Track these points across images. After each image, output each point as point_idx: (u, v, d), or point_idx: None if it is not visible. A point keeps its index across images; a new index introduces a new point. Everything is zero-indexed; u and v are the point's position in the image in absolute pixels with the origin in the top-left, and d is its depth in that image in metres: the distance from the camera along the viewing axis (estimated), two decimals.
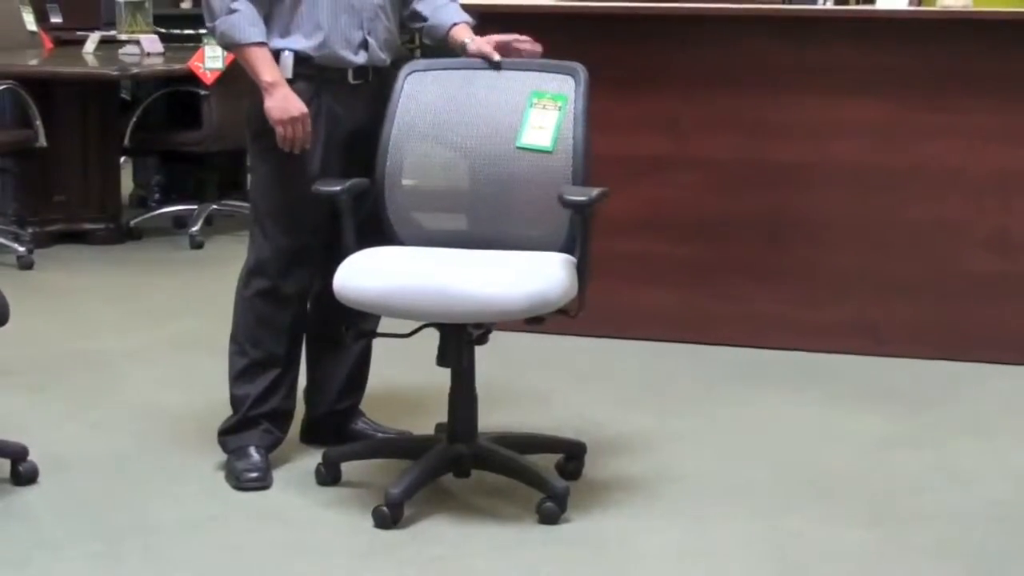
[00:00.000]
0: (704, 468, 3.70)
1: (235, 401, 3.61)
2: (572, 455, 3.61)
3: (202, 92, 6.23)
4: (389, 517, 3.28)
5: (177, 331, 4.99)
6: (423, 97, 3.51)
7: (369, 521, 3.30)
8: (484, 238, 3.47)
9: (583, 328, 4.30)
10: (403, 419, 3.90)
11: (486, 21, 4.58)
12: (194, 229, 6.39)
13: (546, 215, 3.45)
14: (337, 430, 3.76)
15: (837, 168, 4.71)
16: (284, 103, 3.40)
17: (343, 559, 3.20)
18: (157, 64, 6.56)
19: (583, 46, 4.38)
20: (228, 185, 6.85)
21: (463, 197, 3.51)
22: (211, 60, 6.14)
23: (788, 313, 4.75)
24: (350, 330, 3.59)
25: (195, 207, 6.52)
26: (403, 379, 4.24)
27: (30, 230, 6.15)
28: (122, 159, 6.82)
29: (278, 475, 3.58)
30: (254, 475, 3.53)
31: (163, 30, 7.14)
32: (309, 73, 3.46)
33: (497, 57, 3.49)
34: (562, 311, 3.35)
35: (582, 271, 3.39)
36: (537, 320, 3.36)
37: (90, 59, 6.81)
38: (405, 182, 3.50)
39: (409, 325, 3.44)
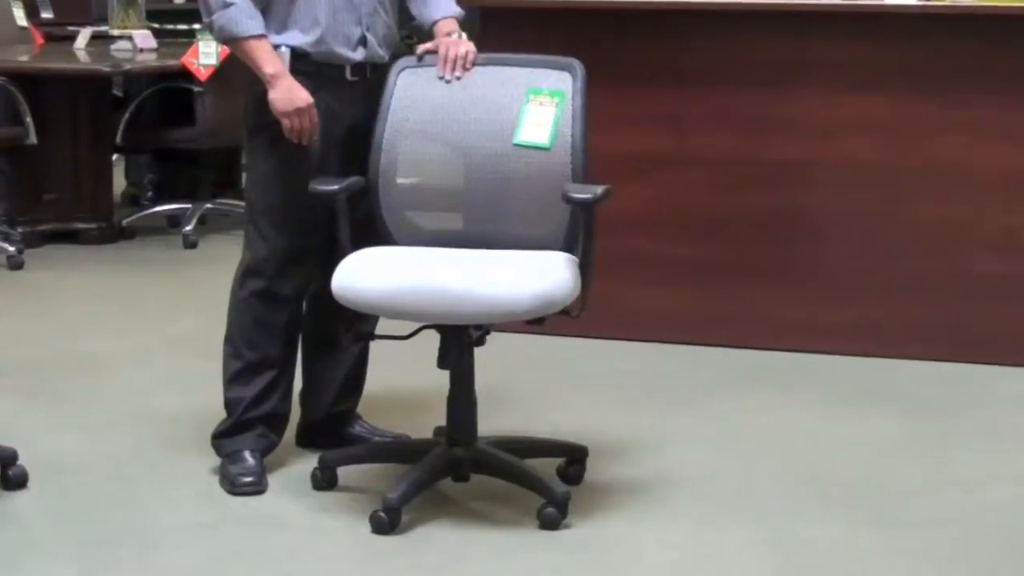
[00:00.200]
0: (707, 472, 3.69)
1: (230, 404, 3.60)
2: (573, 459, 3.60)
3: (196, 89, 6.22)
4: (387, 523, 3.27)
5: (170, 332, 4.98)
6: (416, 94, 3.49)
7: (366, 527, 3.29)
8: (481, 238, 3.46)
9: (583, 329, 4.29)
10: (401, 422, 3.89)
11: (487, 18, 4.58)
12: (188, 228, 6.37)
13: (544, 214, 3.44)
14: (334, 434, 3.74)
15: (841, 166, 4.70)
16: (289, 94, 3.38)
17: (340, 566, 3.18)
18: (150, 60, 6.54)
19: (583, 41, 4.39)
20: (223, 183, 6.84)
21: (459, 196, 3.50)
22: (205, 56, 6.12)
23: (791, 314, 4.74)
24: (348, 332, 3.57)
25: (189, 206, 6.50)
26: (401, 381, 4.23)
27: (20, 230, 6.13)
28: (114, 157, 6.80)
29: (273, 480, 3.57)
30: (249, 480, 3.52)
31: (156, 25, 7.12)
32: (306, 69, 3.44)
33: (444, 71, 3.46)
34: (564, 311, 3.34)
35: (585, 270, 3.38)
36: (538, 321, 3.35)
37: (82, 55, 6.79)
38: (399, 181, 3.49)
39: (406, 326, 3.42)
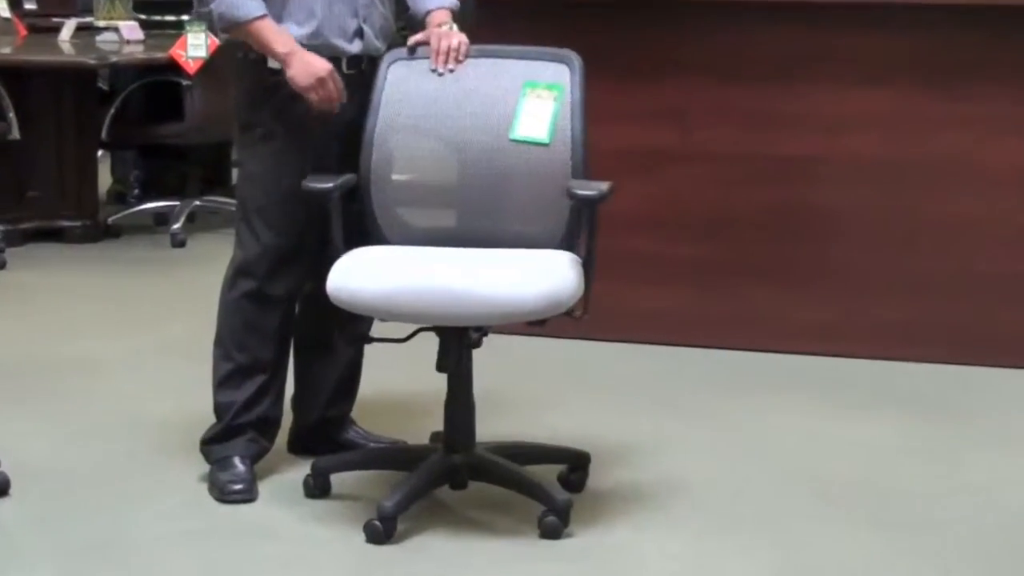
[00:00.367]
0: (713, 478, 3.69)
1: (219, 408, 3.59)
2: (575, 466, 3.59)
3: (184, 82, 6.22)
4: (382, 532, 3.26)
5: (158, 335, 4.97)
6: (408, 87, 3.48)
7: (360, 536, 3.28)
8: (476, 236, 3.46)
9: (585, 331, 4.27)
10: (396, 427, 3.88)
11: (481, 7, 4.57)
12: (176, 227, 6.37)
13: (542, 211, 3.44)
14: (327, 439, 3.74)
15: (850, 162, 4.69)
16: (306, 67, 3.38)
17: None
18: (137, 52, 6.54)
19: (584, 34, 4.36)
20: (212, 180, 6.84)
21: (453, 193, 3.49)
22: (194, 48, 6.12)
23: (797, 315, 4.73)
24: (343, 334, 3.56)
25: (177, 203, 6.50)
26: (396, 385, 4.22)
27: (2, 228, 6.13)
28: (100, 153, 6.80)
29: (264, 487, 3.56)
30: (239, 487, 3.51)
31: (143, 16, 7.12)
32: None
33: (436, 64, 3.45)
34: (566, 313, 3.34)
35: (587, 270, 3.37)
36: (539, 322, 3.35)
37: (66, 47, 6.79)
38: (392, 177, 3.48)
39: (402, 328, 3.41)
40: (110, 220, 6.53)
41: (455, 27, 3.54)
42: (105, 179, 7.04)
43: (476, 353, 3.43)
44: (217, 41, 6.00)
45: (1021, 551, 3.29)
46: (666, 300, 4.80)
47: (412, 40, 3.52)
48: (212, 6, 3.41)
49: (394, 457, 3.65)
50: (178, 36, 6.26)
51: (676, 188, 4.79)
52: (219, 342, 3.58)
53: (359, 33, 3.49)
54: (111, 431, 3.99)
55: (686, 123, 4.76)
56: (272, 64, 3.43)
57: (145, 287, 5.69)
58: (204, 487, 3.55)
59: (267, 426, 3.61)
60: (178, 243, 6.33)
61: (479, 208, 3.47)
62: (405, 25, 3.67)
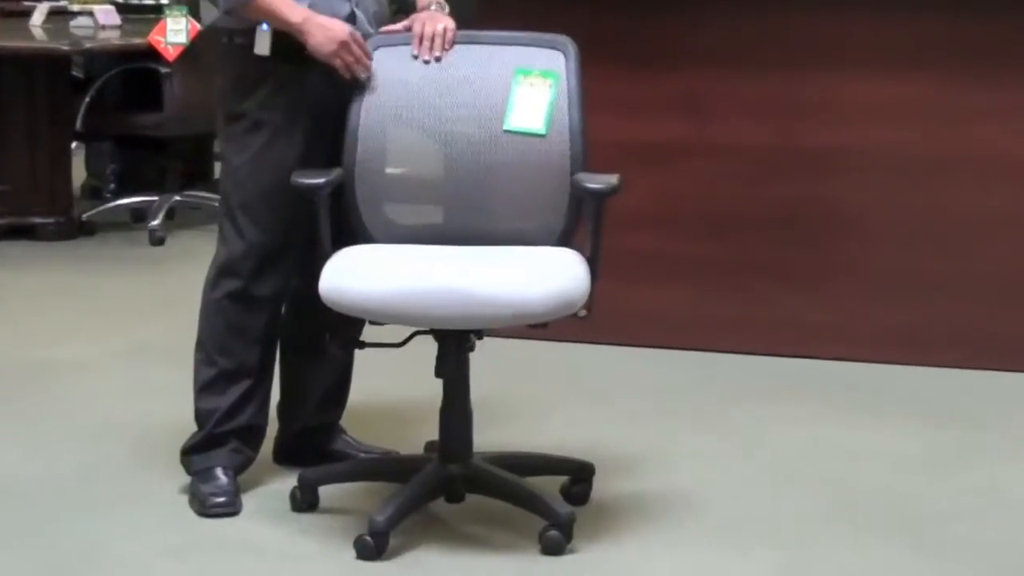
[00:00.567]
0: (725, 491, 3.70)
1: (200, 416, 3.60)
2: (578, 477, 3.60)
3: (163, 70, 6.23)
4: (373, 547, 3.27)
5: (135, 338, 4.98)
6: (394, 75, 3.50)
7: (351, 552, 3.29)
8: (468, 233, 3.47)
9: (589, 335, 4.29)
10: (389, 436, 3.89)
11: None
12: (154, 223, 6.38)
13: (539, 206, 3.46)
14: (314, 449, 3.75)
15: (876, 155, 4.70)
16: (326, 33, 3.40)
17: None
18: (113, 38, 6.55)
19: (589, 18, 4.39)
20: (193, 174, 6.85)
21: (443, 188, 3.51)
22: (173, 34, 6.14)
23: (818, 318, 4.74)
24: (335, 339, 3.57)
25: (155, 199, 6.52)
26: (389, 391, 4.23)
27: None
28: (74, 145, 6.81)
29: (248, 500, 3.57)
30: (221, 500, 3.52)
31: (120, 0, 7.13)
32: (291, 50, 3.44)
33: (421, 52, 3.47)
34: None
35: (592, 268, 3.39)
36: (540, 324, 3.35)
37: (38, 32, 6.80)
38: (378, 172, 3.48)
39: (395, 331, 3.42)
40: (85, 216, 6.54)
41: (446, 8, 3.55)
42: (79, 173, 7.05)
43: (472, 358, 3.44)
44: (198, 26, 6.02)
45: None
46: (673, 302, 4.81)
47: (397, 26, 3.54)
48: None
49: (386, 468, 3.66)
50: (157, 21, 6.28)
51: (686, 183, 4.80)
52: (201, 346, 3.59)
53: (351, 18, 3.50)
54: (84, 440, 4.00)
55: (698, 114, 4.77)
56: (260, 51, 3.44)
57: (122, 287, 5.70)
58: (184, 499, 3.56)
59: (251, 435, 3.62)
60: (157, 241, 6.35)
61: (471, 203, 3.48)
62: (399, 9, 3.69)
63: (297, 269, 3.54)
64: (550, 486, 3.53)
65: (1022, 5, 4.54)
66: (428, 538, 3.38)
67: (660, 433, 4.09)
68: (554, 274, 3.30)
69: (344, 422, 3.82)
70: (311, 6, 3.45)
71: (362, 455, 3.77)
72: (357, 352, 3.70)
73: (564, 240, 3.45)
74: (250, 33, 3.45)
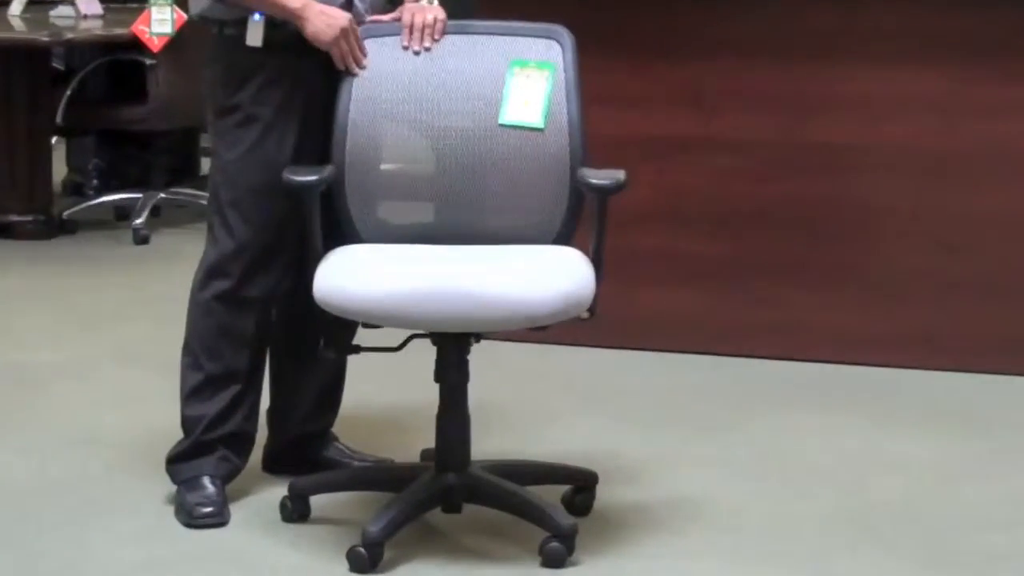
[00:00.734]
0: (734, 501, 3.71)
1: (187, 423, 3.61)
2: (580, 486, 3.61)
3: (148, 61, 6.24)
4: (367, 559, 3.28)
5: (118, 341, 4.99)
6: (384, 67, 3.51)
7: (343, 565, 3.30)
8: (462, 232, 3.49)
9: (593, 338, 4.31)
10: (383, 444, 3.90)
11: None
12: (138, 221, 6.39)
13: (537, 203, 3.48)
14: (306, 457, 3.76)
15: (891, 151, 4.71)
16: (326, 20, 3.42)
17: None
18: (95, 28, 6.56)
19: (591, 8, 4.40)
20: (178, 170, 6.85)
21: (437, 184, 3.52)
22: (158, 24, 6.14)
23: (833, 320, 4.75)
24: (330, 343, 3.58)
25: (139, 196, 6.52)
26: (383, 397, 4.24)
27: None
28: (54, 139, 6.82)
29: (236, 510, 3.58)
30: (208, 510, 3.53)
31: None
32: (285, 41, 3.46)
33: (410, 43, 3.49)
34: None
35: (596, 267, 3.41)
36: (541, 327, 3.37)
37: (16, 23, 6.81)
38: (367, 169, 3.50)
39: (390, 334, 3.44)
40: (65, 214, 6.54)
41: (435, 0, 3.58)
42: (60, 169, 7.04)
43: (470, 362, 3.45)
44: (184, 15, 6.03)
45: None
46: (680, 303, 4.82)
47: (386, 17, 3.56)
48: None
49: (380, 477, 3.67)
50: (141, 10, 6.28)
51: (693, 179, 4.81)
52: (188, 349, 3.60)
53: (348, 5, 3.52)
54: (66, 447, 4.00)
55: (704, 107, 4.78)
56: (252, 42, 3.45)
57: (104, 288, 5.71)
58: (170, 510, 3.57)
59: (240, 442, 3.63)
60: (141, 240, 6.35)
61: (465, 201, 3.49)
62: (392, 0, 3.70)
63: (288, 270, 3.56)
64: (551, 496, 3.53)
65: None
66: (424, 550, 3.39)
67: (666, 441, 4.11)
68: (561, 274, 3.32)
69: (337, 429, 3.83)
70: None
71: (355, 463, 3.78)
72: (350, 358, 3.71)
73: (562, 239, 3.47)
74: (241, 24, 3.46)
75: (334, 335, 3.59)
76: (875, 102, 4.69)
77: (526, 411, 4.31)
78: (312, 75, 3.50)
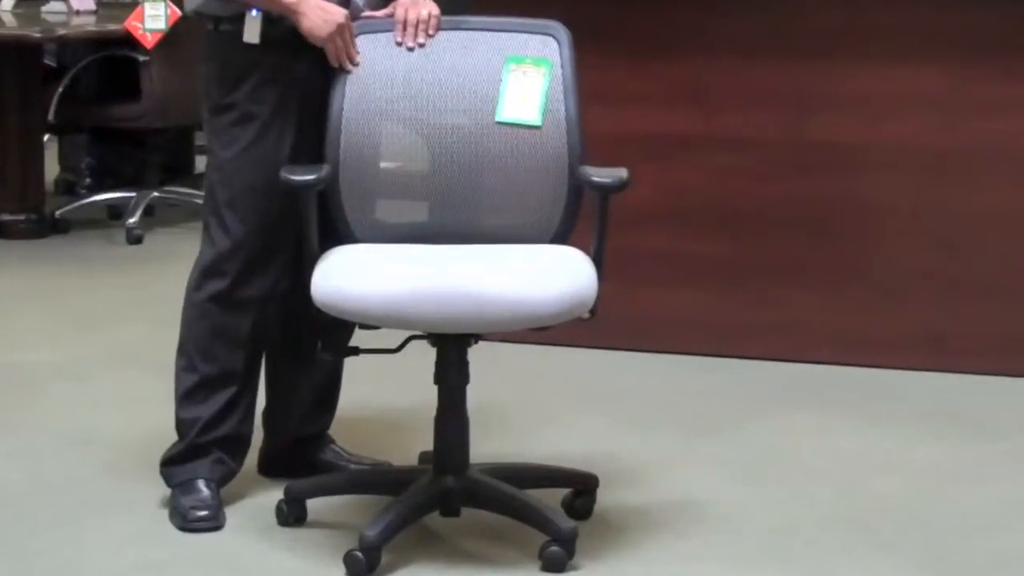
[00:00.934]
0: (737, 505, 3.71)
1: (182, 425, 3.61)
2: (581, 489, 3.61)
3: (141, 58, 6.24)
4: (364, 564, 3.28)
5: (111, 342, 4.99)
6: (379, 65, 3.51)
7: (340, 569, 3.29)
8: (458, 231, 3.49)
9: (590, 339, 4.31)
10: (380, 447, 3.90)
11: None
12: (132, 221, 6.39)
13: (535, 202, 3.48)
14: (302, 460, 3.76)
15: (892, 149, 4.72)
16: (323, 15, 3.42)
17: None
18: (88, 24, 6.56)
19: (592, 6, 4.40)
20: (172, 169, 6.86)
21: (433, 183, 3.51)
22: (152, 19, 6.14)
23: (836, 321, 4.75)
24: (328, 345, 3.57)
25: (133, 195, 6.53)
26: (380, 399, 4.24)
27: None
28: (46, 137, 6.82)
29: (232, 513, 3.58)
30: (203, 513, 3.53)
31: None
32: (281, 37, 3.46)
33: (404, 39, 3.49)
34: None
35: (598, 268, 3.41)
36: (543, 327, 3.37)
37: (7, 19, 6.82)
38: (362, 167, 3.49)
39: (387, 335, 3.43)
40: (58, 213, 6.55)
41: None
42: (52, 167, 7.05)
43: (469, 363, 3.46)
44: (178, 11, 6.03)
45: None
46: (681, 304, 4.82)
47: (379, 13, 3.56)
48: None
49: (378, 480, 3.67)
50: (134, 6, 6.28)
51: (695, 178, 4.81)
52: (183, 350, 3.60)
53: (345, 2, 3.52)
54: (59, 449, 4.00)
55: (706, 106, 4.78)
56: (249, 39, 3.45)
57: (97, 288, 5.71)
58: (164, 513, 3.57)
59: (236, 445, 3.63)
60: (134, 239, 6.35)
61: (461, 199, 3.49)
62: None
63: (285, 270, 3.55)
64: (551, 499, 3.53)
65: None
66: (422, 554, 3.39)
67: (667, 443, 4.11)
68: (563, 274, 3.32)
69: (334, 431, 3.83)
70: None
71: (352, 466, 3.77)
72: (347, 359, 3.71)
73: (560, 238, 3.47)
74: (238, 20, 3.46)
75: (331, 336, 3.60)
76: (876, 100, 4.70)
77: (525, 413, 4.31)
78: (308, 72, 3.50)
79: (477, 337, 3.43)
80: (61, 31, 6.41)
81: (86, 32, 6.48)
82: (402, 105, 3.50)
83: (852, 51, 4.70)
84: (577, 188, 3.46)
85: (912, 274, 4.72)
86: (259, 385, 3.68)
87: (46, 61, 6.77)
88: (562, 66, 3.49)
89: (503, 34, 3.53)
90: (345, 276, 3.32)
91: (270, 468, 3.78)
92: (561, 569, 3.31)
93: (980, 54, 4.62)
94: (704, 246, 4.83)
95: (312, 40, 3.43)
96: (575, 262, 3.37)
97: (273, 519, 3.54)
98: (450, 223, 3.50)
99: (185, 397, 3.59)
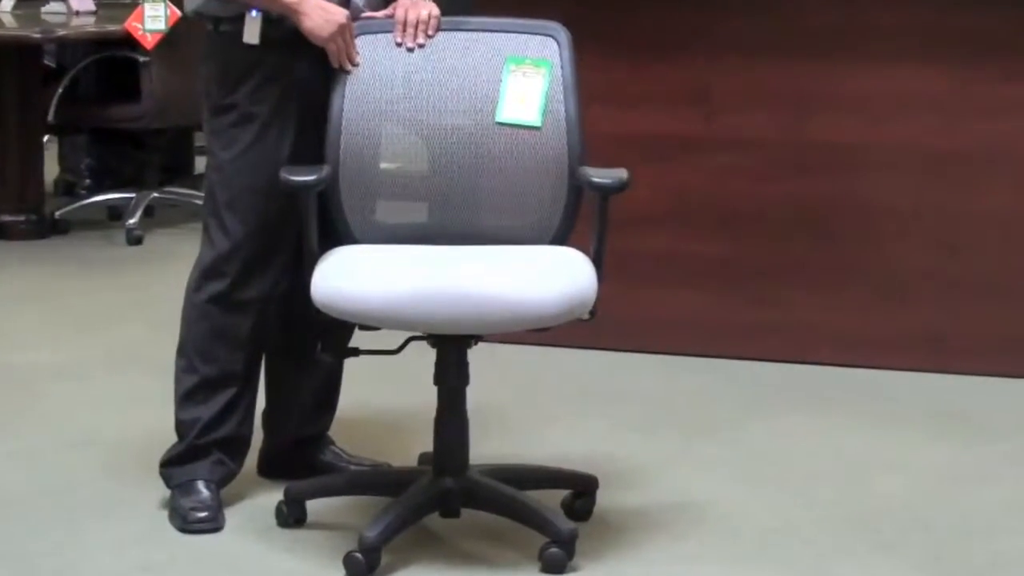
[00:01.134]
0: (737, 506, 3.71)
1: (182, 426, 3.61)
2: (581, 491, 3.62)
3: (141, 58, 6.24)
4: (363, 565, 3.29)
5: (111, 343, 5.00)
6: (379, 65, 3.51)
7: (340, 570, 3.30)
8: (458, 232, 3.50)
9: (590, 340, 4.32)
10: (380, 448, 3.91)
11: None
12: (131, 221, 6.40)
13: (534, 203, 3.49)
14: (302, 461, 3.76)
15: (893, 150, 4.72)
16: (324, 15, 3.43)
17: None
18: (88, 25, 6.57)
19: (593, 7, 4.41)
20: (172, 169, 6.87)
21: (432, 184, 3.52)
22: (152, 20, 6.15)
23: (837, 322, 4.76)
24: (328, 346, 3.58)
25: (133, 196, 6.53)
26: (380, 400, 4.25)
27: None
28: (46, 138, 6.82)
29: (231, 515, 3.59)
30: (203, 515, 3.54)
31: None
32: (282, 38, 3.47)
33: (403, 39, 3.51)
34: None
35: (598, 269, 3.42)
36: (543, 328, 3.38)
37: (7, 19, 6.82)
38: (362, 168, 3.49)
39: (386, 336, 3.44)
40: (57, 214, 6.56)
41: None
42: (52, 168, 7.06)
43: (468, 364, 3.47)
44: (178, 12, 6.04)
45: None
46: (681, 305, 4.82)
47: (379, 13, 3.57)
48: None
49: (377, 481, 3.68)
50: (134, 7, 6.29)
51: (696, 179, 4.81)
52: (182, 351, 3.61)
53: (345, 2, 3.53)
54: (59, 451, 4.01)
55: (705, 105, 4.79)
56: (249, 39, 3.46)
57: (97, 289, 5.72)
58: (164, 514, 3.57)
59: (235, 446, 3.64)
60: (134, 240, 6.36)
61: (461, 200, 3.50)
62: None
63: (285, 271, 3.56)
64: (551, 500, 3.54)
65: None
66: (422, 555, 3.39)
67: (667, 444, 4.11)
68: (563, 275, 3.33)
69: (333, 433, 3.83)
70: None
71: (352, 467, 3.78)
72: (346, 360, 3.72)
73: (560, 239, 3.48)
74: (238, 20, 3.47)
75: (331, 338, 3.61)
76: (876, 101, 4.70)
77: (525, 414, 4.31)
78: (308, 73, 3.51)
79: (477, 338, 3.45)
80: (61, 32, 6.42)
81: (86, 33, 6.49)
82: (402, 106, 3.51)
83: (852, 52, 4.70)
84: (577, 189, 3.47)
85: (912, 275, 4.73)
86: (259, 386, 3.69)
87: (46, 62, 6.78)
88: (562, 67, 3.50)
89: (503, 35, 3.54)
90: (345, 277, 3.33)
91: (270, 469, 3.79)
92: (561, 570, 3.31)
93: (981, 55, 4.62)
94: (704, 247, 4.84)
95: (313, 40, 3.45)
96: (575, 263, 3.38)
97: (273, 520, 3.55)
98: (450, 224, 3.51)
99: (185, 398, 3.60)
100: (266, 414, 3.80)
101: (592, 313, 3.41)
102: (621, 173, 3.41)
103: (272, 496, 3.61)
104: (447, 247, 3.45)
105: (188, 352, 3.59)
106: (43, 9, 6.86)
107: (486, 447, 3.71)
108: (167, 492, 3.62)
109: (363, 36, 3.51)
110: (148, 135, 6.58)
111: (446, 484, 3.45)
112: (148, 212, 6.56)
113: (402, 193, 3.56)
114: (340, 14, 3.45)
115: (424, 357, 3.44)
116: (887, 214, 4.75)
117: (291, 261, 3.53)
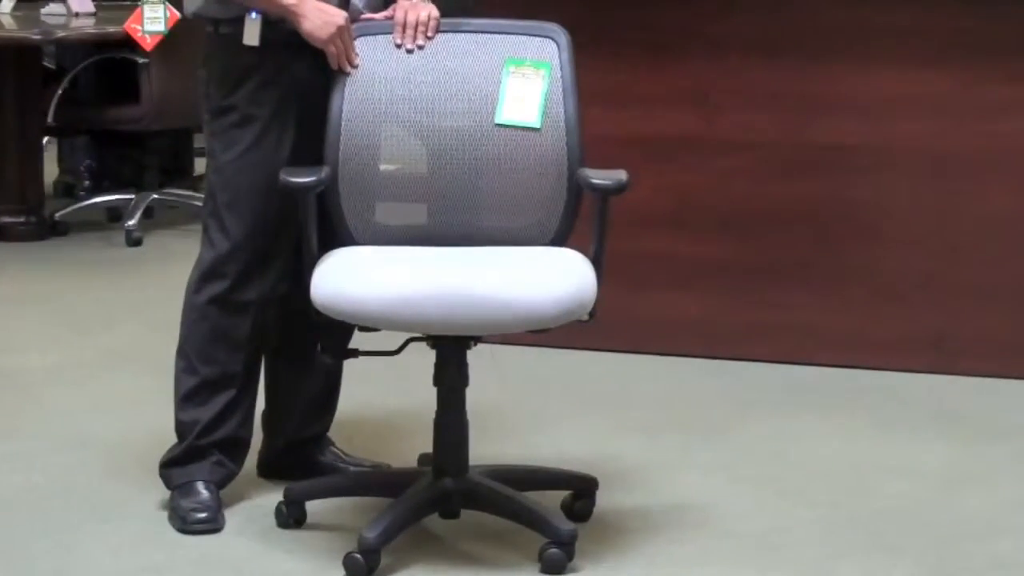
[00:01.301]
0: (737, 507, 3.72)
1: (182, 427, 3.62)
2: (580, 492, 3.62)
3: (141, 60, 6.25)
4: (363, 566, 3.29)
5: (112, 344, 5.00)
6: (379, 67, 3.52)
7: (340, 571, 3.31)
8: (457, 233, 3.51)
9: (590, 341, 4.32)
10: (379, 449, 3.92)
11: None
12: (131, 223, 6.40)
13: (534, 204, 3.50)
14: (301, 462, 3.77)
15: (898, 152, 4.72)
16: (323, 17, 3.44)
17: None
18: (87, 26, 6.57)
19: (596, 7, 4.42)
20: (172, 171, 6.86)
21: (432, 185, 3.53)
22: (151, 22, 6.15)
23: (838, 324, 4.76)
24: (327, 347, 3.59)
25: (132, 197, 6.54)
26: (379, 401, 4.26)
27: None
28: (45, 140, 6.83)
29: (231, 516, 3.59)
30: (203, 516, 3.54)
31: None
32: (281, 38, 3.47)
33: (403, 41, 3.52)
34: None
35: (597, 270, 3.43)
36: (542, 329, 3.39)
37: (6, 21, 6.83)
38: (361, 169, 3.50)
39: (386, 337, 3.45)
40: (57, 216, 6.56)
41: None
42: (51, 169, 7.07)
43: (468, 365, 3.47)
44: (177, 13, 6.05)
45: None
46: (682, 306, 4.83)
47: (379, 15, 3.58)
48: None
49: (377, 482, 3.69)
50: (133, 8, 6.30)
51: (695, 180, 4.82)
52: (182, 353, 3.61)
53: (344, 3, 3.54)
54: (59, 452, 4.01)
55: (708, 108, 4.79)
56: (249, 41, 3.47)
57: (97, 290, 5.72)
58: (163, 515, 3.58)
59: (235, 447, 3.64)
60: (134, 241, 6.37)
61: (460, 202, 3.51)
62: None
63: (285, 272, 3.57)
64: (551, 501, 3.54)
65: None
66: (421, 556, 3.40)
67: (667, 446, 4.12)
68: (563, 276, 3.33)
69: (332, 434, 3.84)
70: None
71: (351, 468, 3.79)
72: (346, 361, 3.73)
73: (559, 240, 3.49)
74: (237, 22, 3.48)
75: (330, 338, 3.61)
76: (878, 103, 4.70)
77: (525, 415, 4.32)
78: (308, 74, 3.52)
79: (476, 339, 3.46)
80: (60, 33, 6.42)
81: (85, 34, 6.49)
82: (402, 107, 3.52)
83: (854, 53, 4.70)
84: (576, 190, 3.49)
85: (913, 276, 4.73)
86: (259, 387, 3.70)
87: (45, 63, 6.79)
88: (561, 68, 3.51)
89: (502, 36, 3.55)
90: (344, 278, 3.34)
91: (269, 470, 3.80)
92: (560, 571, 3.32)
93: (984, 57, 4.62)
94: (705, 248, 4.84)
95: (312, 42, 3.46)
96: (574, 264, 3.39)
97: (272, 521, 3.55)
98: (449, 225, 3.52)
99: (185, 399, 3.61)
100: (266, 415, 3.81)
101: (592, 314, 3.42)
102: (620, 174, 3.43)
103: (272, 497, 3.62)
104: (447, 248, 3.46)
105: (188, 353, 3.60)
106: (43, 10, 6.86)
107: (486, 448, 3.71)
108: (167, 493, 3.63)
109: (362, 38, 3.52)
110: (147, 136, 6.59)
111: (446, 485, 3.46)
112: (147, 213, 6.56)
113: (402, 194, 3.57)
114: (339, 16, 3.46)
115: (424, 358, 3.45)
116: (888, 215, 4.75)
117: (291, 262, 3.54)
